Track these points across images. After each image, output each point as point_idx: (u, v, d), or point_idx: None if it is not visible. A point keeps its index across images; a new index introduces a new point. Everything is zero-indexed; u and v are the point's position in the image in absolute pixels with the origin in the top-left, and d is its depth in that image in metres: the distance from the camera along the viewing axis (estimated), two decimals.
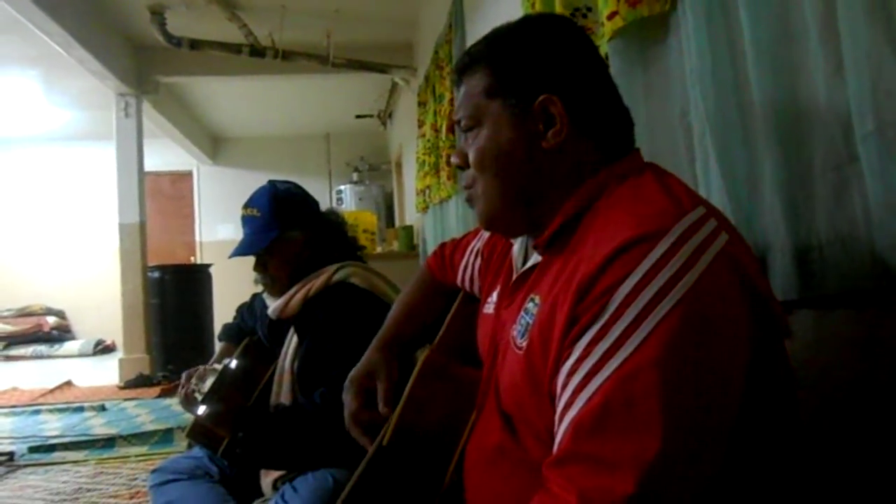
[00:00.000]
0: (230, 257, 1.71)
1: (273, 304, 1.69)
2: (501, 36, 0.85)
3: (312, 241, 1.70)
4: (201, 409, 1.46)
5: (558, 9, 1.60)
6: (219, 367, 1.62)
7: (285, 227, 1.66)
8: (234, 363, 1.66)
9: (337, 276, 1.65)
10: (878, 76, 0.79)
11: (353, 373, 1.12)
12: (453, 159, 0.90)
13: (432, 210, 4.33)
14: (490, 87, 0.82)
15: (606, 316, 0.64)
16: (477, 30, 3.17)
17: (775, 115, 0.98)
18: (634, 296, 0.63)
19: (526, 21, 0.87)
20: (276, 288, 1.70)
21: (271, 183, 1.76)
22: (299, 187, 1.79)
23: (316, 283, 1.64)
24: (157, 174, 8.66)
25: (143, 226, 5.82)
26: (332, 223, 1.80)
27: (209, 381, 1.56)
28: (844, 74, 0.85)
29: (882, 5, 0.79)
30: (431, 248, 4.46)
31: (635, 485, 0.58)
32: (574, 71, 0.81)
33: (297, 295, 1.64)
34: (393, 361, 1.11)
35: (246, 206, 1.72)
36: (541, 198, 0.81)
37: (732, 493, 0.69)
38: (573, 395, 0.64)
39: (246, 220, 1.70)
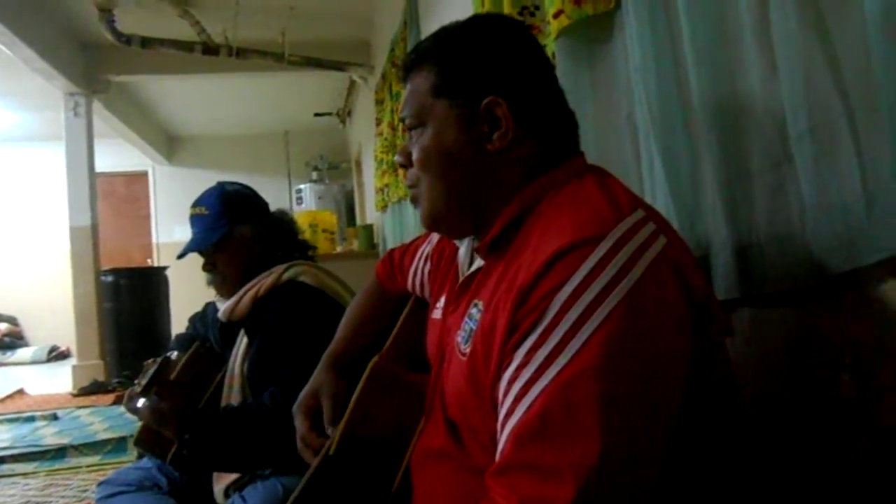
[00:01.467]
0: (179, 257, 1.71)
1: (223, 306, 1.67)
2: (449, 35, 0.84)
3: (262, 237, 1.69)
4: (140, 402, 1.43)
5: (506, 6, 1.60)
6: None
7: (234, 222, 1.66)
8: (174, 354, 1.63)
9: (287, 275, 1.63)
10: (810, 77, 0.80)
11: (300, 395, 1.11)
12: (396, 158, 0.90)
13: (391, 209, 4.31)
14: (436, 87, 0.81)
15: (545, 322, 0.64)
16: (431, 27, 3.16)
17: (715, 116, 0.98)
18: (573, 301, 0.63)
19: (474, 20, 0.86)
20: (227, 287, 1.68)
21: (220, 183, 1.75)
22: (248, 187, 1.78)
23: (265, 282, 1.62)
24: (111, 175, 8.45)
25: (94, 228, 5.67)
26: (282, 221, 1.79)
27: (150, 373, 1.53)
28: (779, 76, 0.85)
29: (814, 9, 0.79)
30: (391, 246, 4.43)
31: (575, 492, 0.57)
32: (521, 74, 0.80)
33: (247, 295, 1.62)
34: (339, 380, 1.09)
35: (194, 205, 1.70)
36: (484, 199, 0.81)
37: (674, 492, 0.69)
38: (514, 403, 0.64)
39: (195, 220, 1.69)
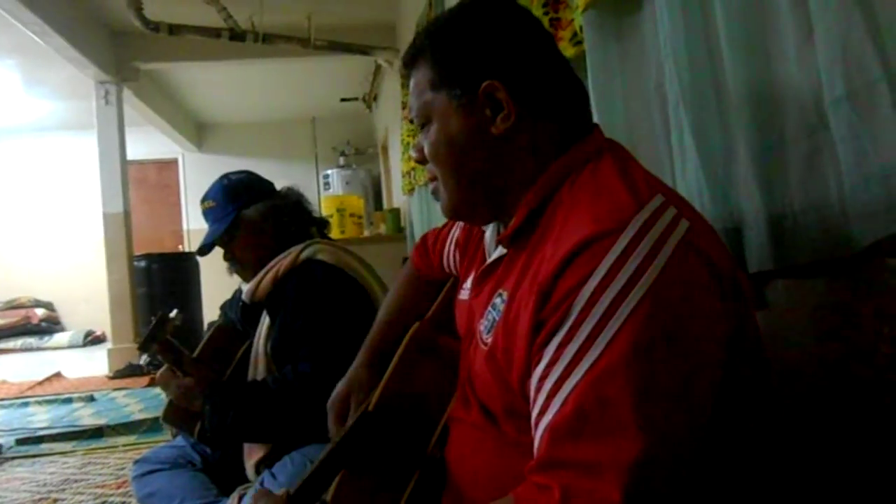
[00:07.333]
0: (195, 252, 1.75)
1: (245, 288, 1.71)
2: (441, 25, 0.84)
3: (270, 215, 1.72)
4: (142, 359, 1.51)
5: None
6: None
7: (240, 208, 1.70)
8: (174, 312, 1.66)
9: (304, 254, 1.66)
10: (847, 40, 0.77)
11: (334, 393, 1.12)
12: (412, 154, 0.90)
13: (418, 192, 4.31)
14: (433, 81, 0.81)
15: (572, 318, 0.63)
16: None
17: (748, 85, 0.96)
18: (599, 294, 0.62)
19: (463, 7, 0.84)
20: (248, 273, 1.72)
21: (223, 175, 1.79)
22: (250, 172, 1.83)
23: (283, 263, 1.65)
24: (142, 163, 8.58)
25: (127, 215, 5.77)
26: (289, 196, 1.81)
27: (150, 328, 1.60)
28: (815, 41, 0.83)
29: None
30: (418, 230, 4.44)
31: (621, 489, 0.56)
32: (516, 54, 0.79)
33: (267, 276, 1.65)
34: (375, 377, 1.08)
35: (202, 201, 1.75)
36: (500, 186, 0.81)
37: (710, 473, 0.68)
38: (547, 401, 0.63)
39: (206, 214, 1.74)
